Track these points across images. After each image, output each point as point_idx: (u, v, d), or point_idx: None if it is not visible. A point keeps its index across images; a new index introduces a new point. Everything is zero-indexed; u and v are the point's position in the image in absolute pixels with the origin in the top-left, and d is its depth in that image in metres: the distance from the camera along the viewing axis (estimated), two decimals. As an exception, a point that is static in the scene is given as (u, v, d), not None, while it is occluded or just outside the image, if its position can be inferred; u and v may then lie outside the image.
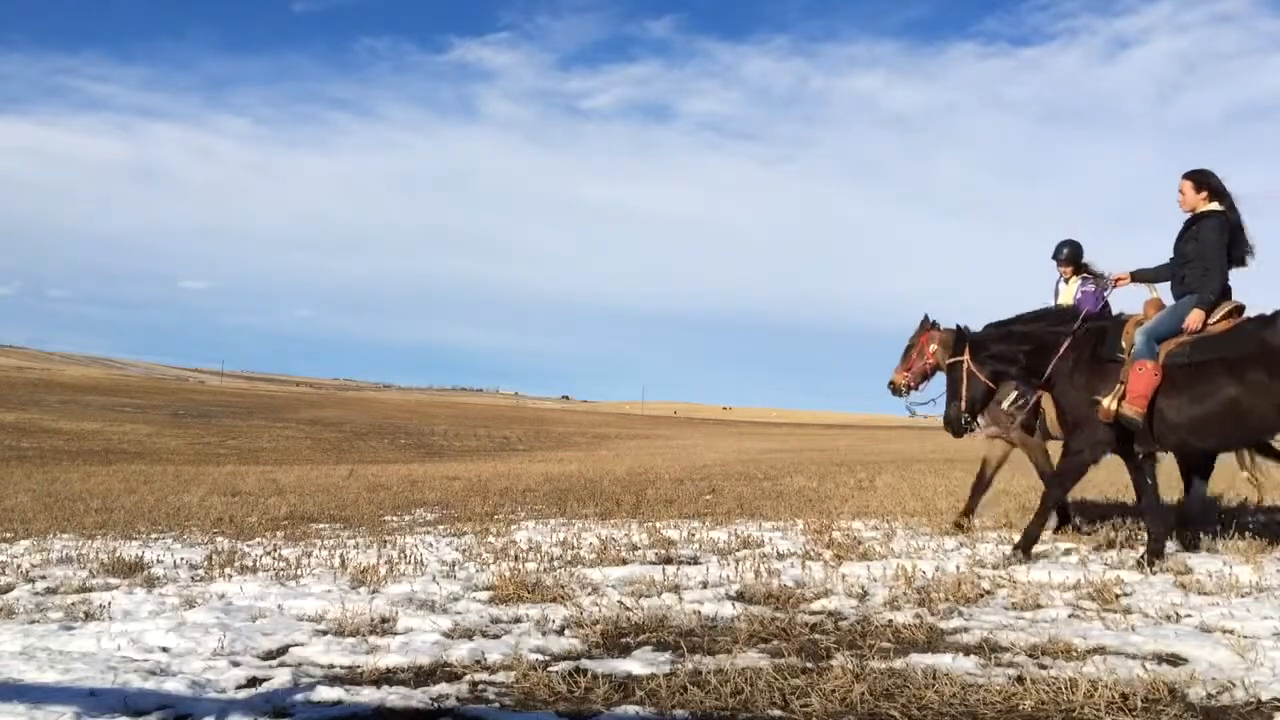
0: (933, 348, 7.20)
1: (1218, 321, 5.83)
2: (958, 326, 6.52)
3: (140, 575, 6.41)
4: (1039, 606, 4.88)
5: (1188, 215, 6.16)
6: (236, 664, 4.05)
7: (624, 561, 6.53)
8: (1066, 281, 7.74)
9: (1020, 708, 3.35)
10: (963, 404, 6.38)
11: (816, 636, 4.37)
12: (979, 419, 6.72)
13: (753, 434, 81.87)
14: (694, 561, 6.53)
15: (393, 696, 3.58)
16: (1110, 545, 6.75)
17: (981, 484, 8.05)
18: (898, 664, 3.84)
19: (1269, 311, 5.76)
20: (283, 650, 4.30)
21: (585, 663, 3.95)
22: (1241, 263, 6.05)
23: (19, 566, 7.00)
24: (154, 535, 9.16)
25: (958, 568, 5.86)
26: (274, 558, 7.20)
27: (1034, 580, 5.52)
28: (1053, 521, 7.17)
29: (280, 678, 3.82)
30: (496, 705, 3.50)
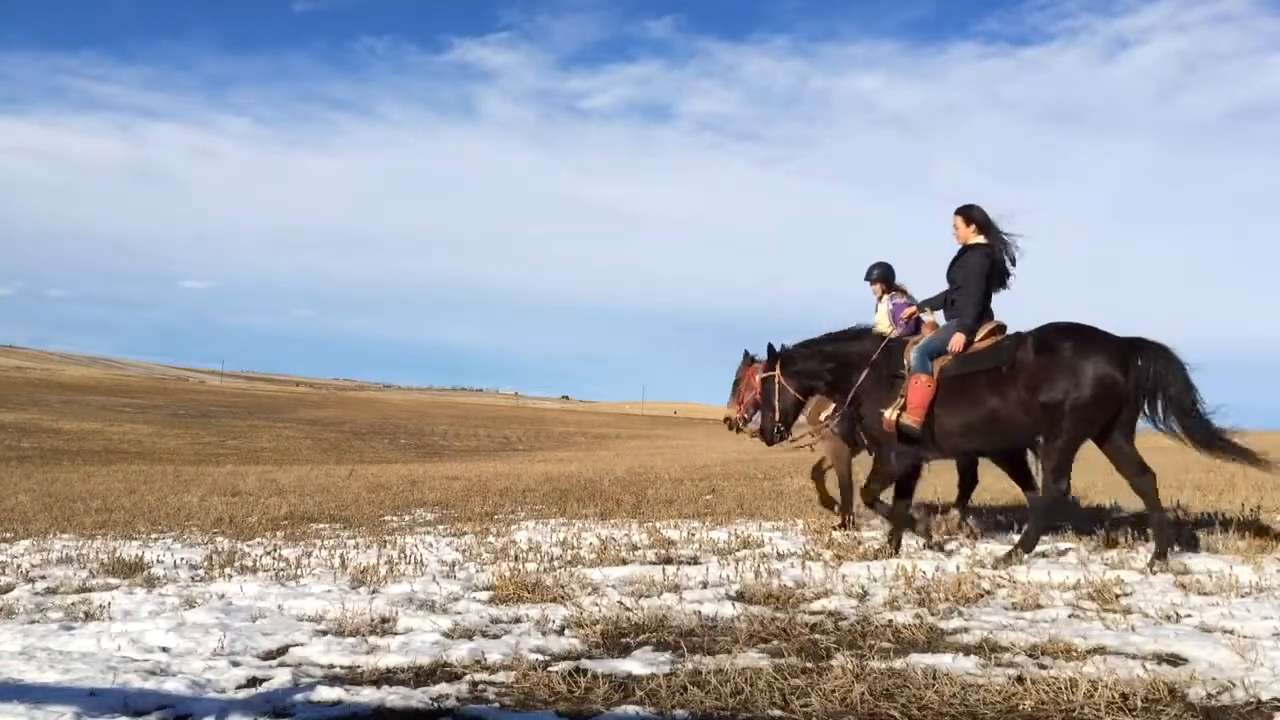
0: (759, 379, 7.45)
1: (982, 339, 6.44)
2: (769, 345, 7.05)
3: (140, 575, 6.41)
4: (1039, 606, 4.88)
5: (960, 246, 6.77)
6: (236, 664, 4.05)
7: (624, 561, 6.54)
8: (880, 300, 8.21)
9: (1020, 708, 3.35)
10: (775, 415, 6.97)
11: (816, 636, 4.37)
12: (791, 429, 7.21)
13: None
14: (694, 561, 6.53)
15: (393, 696, 3.58)
16: (1110, 545, 6.75)
17: (847, 486, 8.47)
18: (898, 664, 3.84)
19: (1025, 330, 6.37)
20: (283, 650, 4.30)
21: (585, 663, 3.95)
22: (1003, 285, 6.69)
23: (19, 566, 7.00)
24: (154, 535, 9.16)
25: (958, 568, 5.86)
26: (274, 558, 7.20)
27: (1034, 580, 5.52)
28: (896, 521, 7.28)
29: (280, 678, 3.82)
30: (496, 705, 3.50)
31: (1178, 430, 6.06)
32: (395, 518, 10.54)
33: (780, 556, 6.60)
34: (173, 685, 3.72)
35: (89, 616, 5.10)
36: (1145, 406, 6.05)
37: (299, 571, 6.48)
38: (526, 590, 5.40)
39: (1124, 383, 5.94)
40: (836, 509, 8.42)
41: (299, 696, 3.59)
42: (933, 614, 4.71)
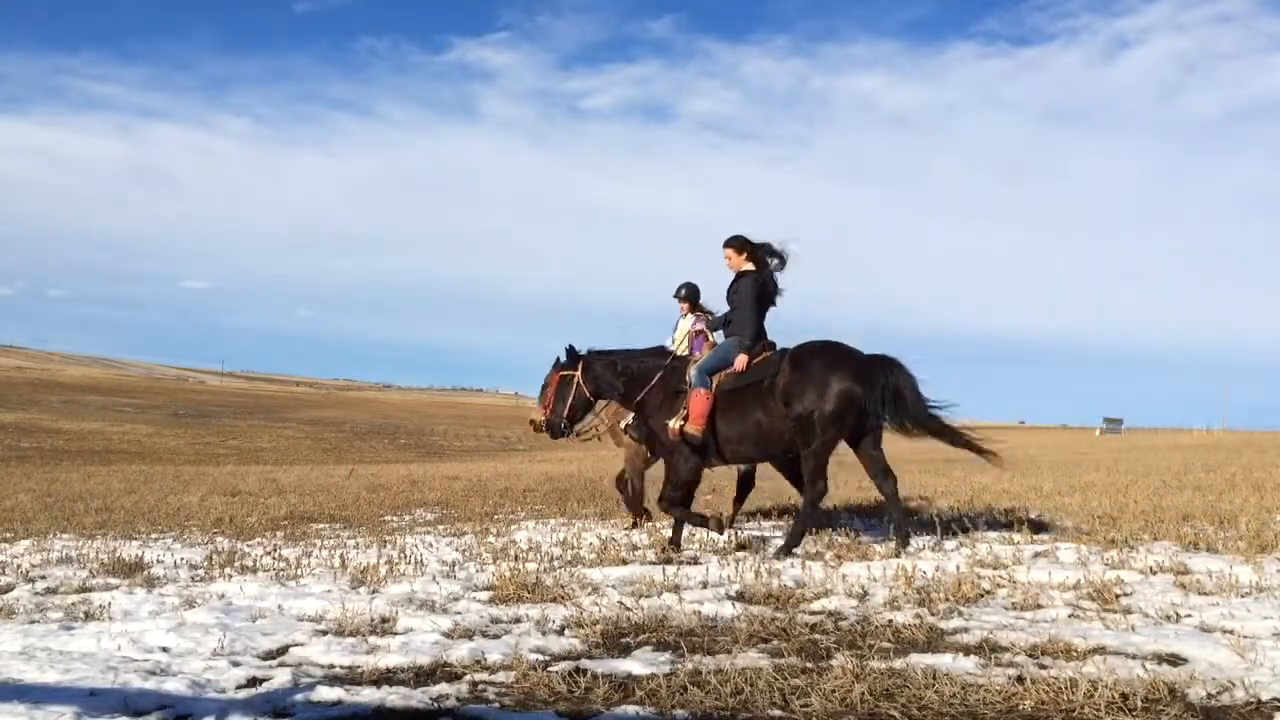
0: (559, 375, 7.84)
1: (757, 357, 6.99)
2: (570, 346, 7.61)
3: (140, 575, 6.41)
4: (1039, 606, 4.87)
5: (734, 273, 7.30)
6: (236, 664, 4.05)
7: (624, 561, 6.54)
8: (684, 317, 8.73)
9: (1020, 708, 3.35)
10: (565, 410, 7.51)
11: (816, 636, 4.36)
12: (576, 426, 7.79)
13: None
14: (694, 561, 6.53)
15: (393, 696, 3.58)
16: (1111, 545, 6.75)
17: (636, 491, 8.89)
18: (898, 664, 3.84)
19: (786, 348, 6.97)
20: (283, 650, 4.31)
21: (585, 663, 3.95)
22: (773, 304, 7.25)
23: (19, 566, 7.00)
24: (154, 535, 9.17)
25: (958, 568, 5.86)
26: (274, 558, 7.20)
27: (1034, 580, 5.51)
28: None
29: (280, 678, 3.82)
30: (496, 705, 3.50)
31: (918, 429, 6.81)
32: (395, 518, 10.54)
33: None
34: (173, 685, 3.72)
35: (89, 616, 5.10)
36: (887, 414, 6.74)
37: (299, 571, 6.48)
38: (526, 590, 5.40)
39: (864, 395, 6.61)
40: (626, 510, 8.83)
41: (299, 696, 3.59)
42: (933, 614, 4.71)
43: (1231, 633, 4.18)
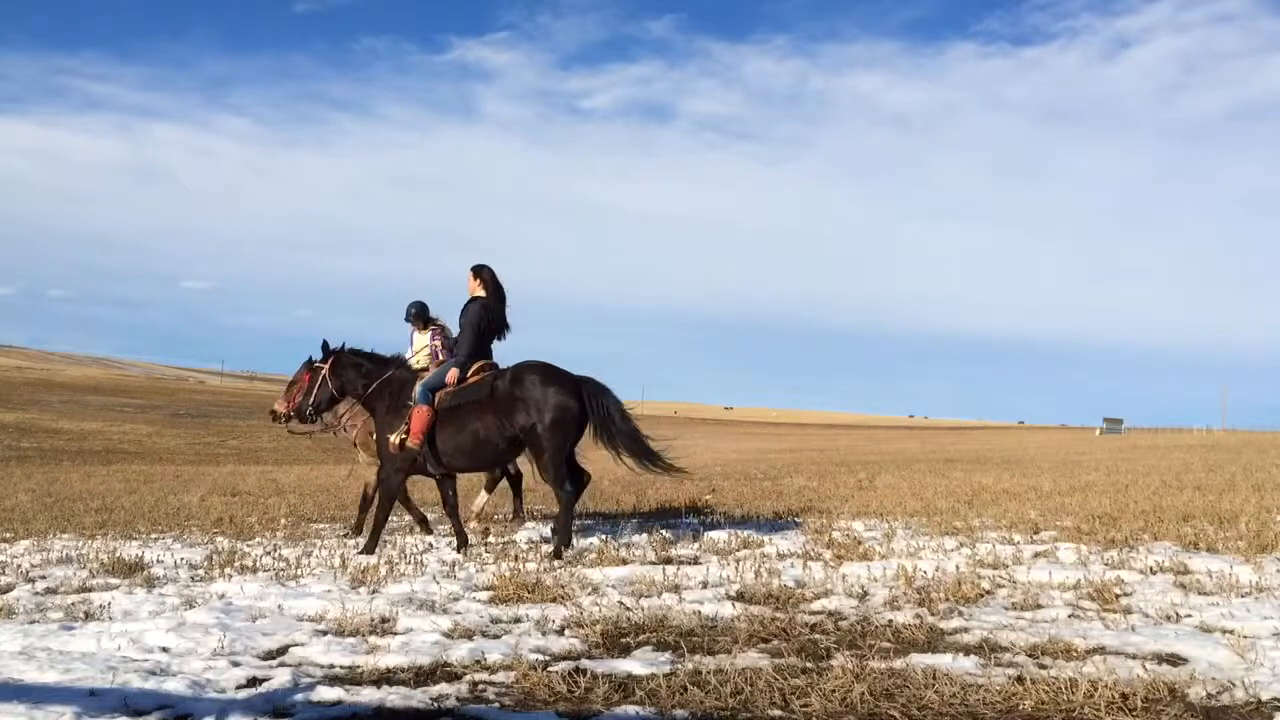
0: (314, 366, 8.23)
1: (474, 375, 7.43)
2: (324, 341, 7.99)
3: (140, 575, 6.41)
4: (1039, 606, 4.88)
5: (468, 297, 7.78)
6: (236, 664, 4.05)
7: (624, 561, 6.53)
8: (419, 333, 9.26)
9: (1020, 708, 3.35)
10: (311, 400, 7.92)
11: (816, 636, 4.36)
12: (319, 417, 8.22)
13: (753, 434, 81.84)
14: (694, 561, 6.53)
15: (393, 696, 3.58)
16: (1111, 545, 6.75)
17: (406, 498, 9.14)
18: (898, 664, 3.84)
19: (504, 367, 7.47)
20: (283, 650, 4.30)
21: (585, 663, 3.95)
22: (500, 336, 7.78)
23: (19, 566, 7.00)
24: (154, 535, 9.17)
25: (958, 568, 5.86)
26: (274, 558, 7.20)
27: (1034, 580, 5.52)
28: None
29: (280, 678, 3.82)
30: (496, 705, 3.50)
31: (621, 448, 7.32)
32: (395, 518, 10.53)
33: (780, 556, 6.60)
34: (173, 685, 3.72)
35: (89, 616, 5.10)
36: (597, 430, 7.28)
37: (299, 571, 6.48)
38: (526, 590, 5.40)
39: (578, 410, 7.15)
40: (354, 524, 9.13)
41: (299, 696, 3.59)
42: (933, 614, 4.71)
43: (1231, 633, 4.18)
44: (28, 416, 47.91)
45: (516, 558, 6.70)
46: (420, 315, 9.19)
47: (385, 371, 7.75)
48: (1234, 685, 3.48)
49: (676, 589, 5.44)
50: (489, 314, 7.62)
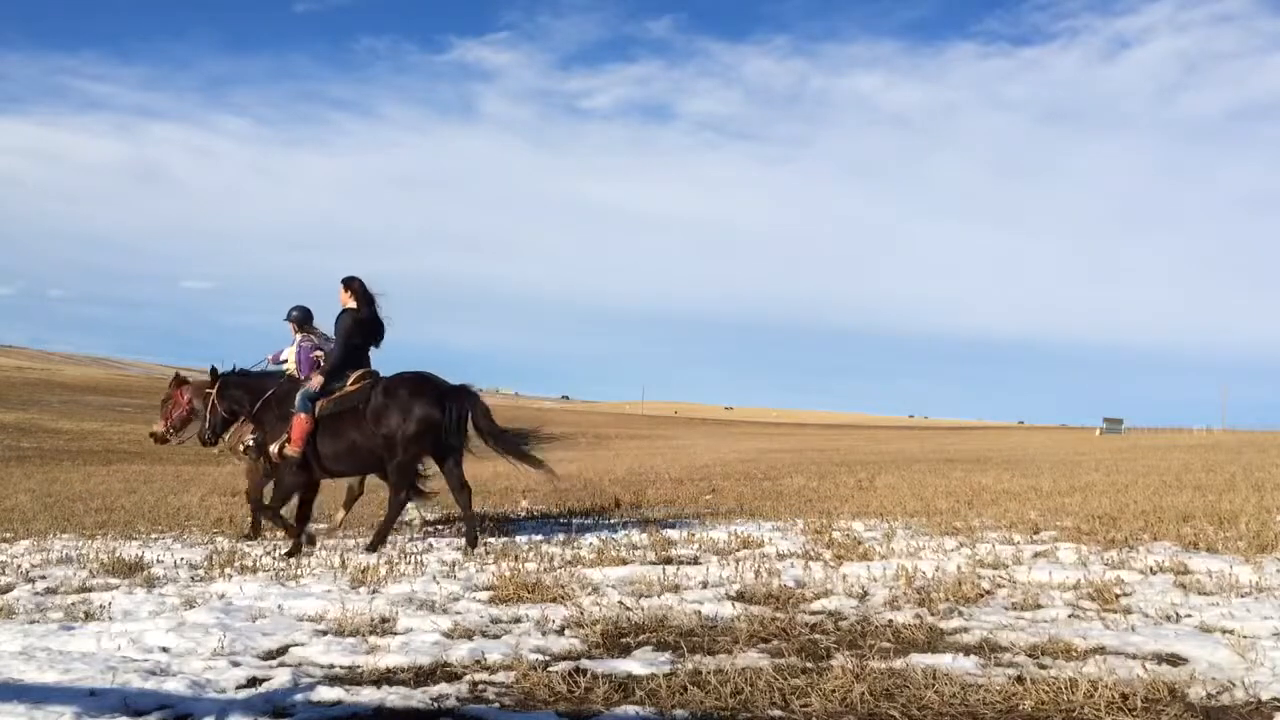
0: (187, 397, 8.75)
1: (353, 384, 7.77)
2: (212, 367, 8.39)
3: (140, 575, 6.41)
4: (1039, 606, 4.88)
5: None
6: (236, 664, 4.05)
7: (624, 561, 6.53)
8: (296, 336, 9.40)
9: (1020, 708, 3.35)
10: (205, 425, 8.30)
11: (816, 636, 4.36)
12: (218, 438, 8.47)
13: (753, 434, 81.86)
14: (694, 561, 6.53)
15: (393, 696, 3.58)
16: (1111, 545, 6.75)
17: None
18: (898, 664, 3.84)
19: (381, 377, 7.85)
20: (283, 650, 4.31)
21: (585, 663, 3.95)
22: (376, 345, 8.13)
23: (19, 566, 7.00)
24: (154, 535, 9.18)
25: (958, 568, 5.86)
26: (274, 558, 7.20)
27: (1034, 580, 5.52)
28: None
29: (280, 678, 3.82)
30: (496, 705, 3.50)
31: (494, 446, 7.75)
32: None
33: (780, 556, 6.59)
34: (173, 685, 3.72)
35: (89, 616, 5.10)
36: (461, 435, 7.67)
37: (299, 571, 6.48)
38: (526, 590, 5.40)
39: (442, 419, 7.52)
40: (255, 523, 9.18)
41: (299, 696, 3.59)
42: (933, 614, 4.71)
43: (1231, 633, 4.18)
44: (28, 416, 47.90)
45: (516, 558, 6.70)
46: (299, 320, 9.34)
47: (269, 387, 8.17)
48: (1234, 685, 3.48)
49: (676, 589, 5.44)
50: (359, 324, 7.97)
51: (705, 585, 5.60)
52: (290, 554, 7.47)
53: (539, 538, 8.03)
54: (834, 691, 3.49)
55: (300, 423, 7.64)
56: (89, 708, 3.45)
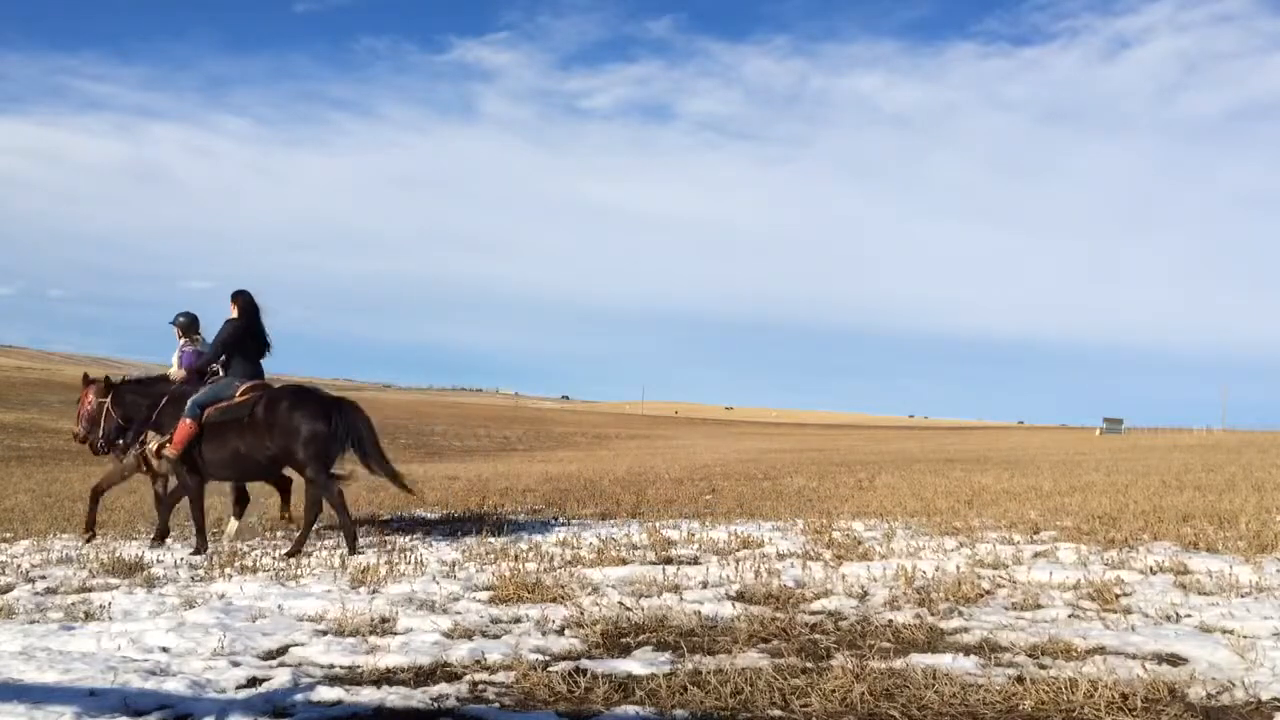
0: (90, 397, 8.77)
1: (243, 395, 8.00)
2: (106, 378, 8.72)
3: (140, 575, 6.41)
4: (1039, 606, 4.88)
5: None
6: (236, 664, 4.05)
7: (624, 561, 6.53)
8: (188, 343, 9.45)
9: (1020, 708, 3.35)
10: (100, 433, 8.53)
11: (816, 636, 4.37)
12: (112, 446, 8.63)
13: (753, 434, 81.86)
14: (694, 561, 6.53)
15: (393, 696, 3.58)
16: (1111, 545, 6.76)
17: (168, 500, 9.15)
18: (898, 664, 3.84)
19: (269, 390, 8.03)
20: (283, 650, 4.31)
21: (585, 663, 3.95)
22: (262, 355, 8.43)
23: (19, 566, 7.00)
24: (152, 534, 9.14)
25: (958, 568, 5.86)
26: (274, 558, 7.20)
27: (1034, 580, 5.52)
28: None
29: (280, 678, 3.82)
30: (496, 705, 3.50)
31: (373, 466, 7.92)
32: (396, 518, 10.54)
33: (780, 556, 6.59)
34: (173, 685, 3.72)
35: (89, 616, 5.10)
36: (349, 449, 7.85)
37: (299, 571, 6.48)
38: (526, 590, 5.39)
39: (327, 432, 7.71)
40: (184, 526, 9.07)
41: (299, 696, 3.59)
42: (933, 614, 4.71)
43: (1231, 633, 4.18)
44: (27, 416, 47.89)
45: (516, 558, 6.70)
46: (184, 326, 9.44)
47: (164, 392, 8.42)
48: (1234, 685, 3.48)
49: (676, 589, 5.44)
50: (239, 334, 8.24)
51: (705, 585, 5.60)
52: (199, 549, 7.78)
53: (539, 538, 8.03)
54: (834, 691, 3.49)
55: (184, 427, 7.91)
56: (89, 708, 3.45)
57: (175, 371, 9.03)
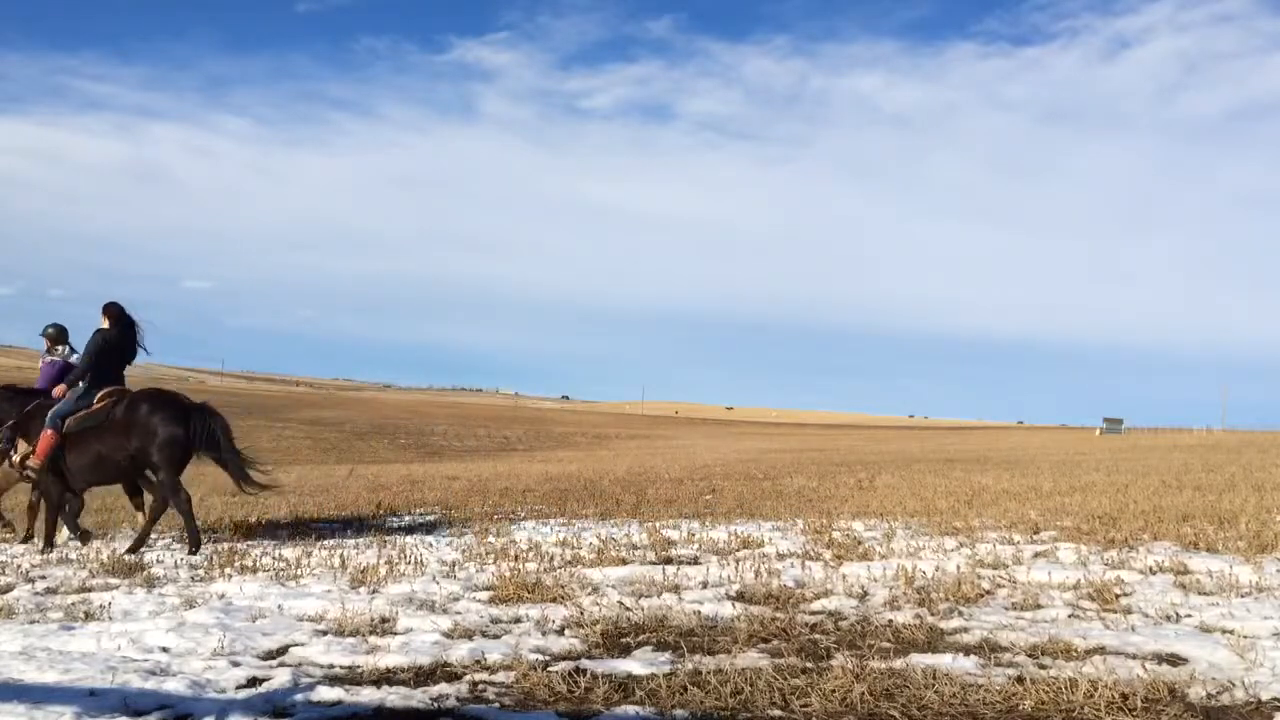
0: None
1: (101, 401, 8.16)
2: None
3: (140, 575, 6.42)
4: (1039, 606, 4.88)
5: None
6: (236, 664, 4.05)
7: (624, 561, 6.53)
8: (48, 353, 9.64)
9: (1020, 708, 3.35)
10: None
11: (816, 636, 4.37)
12: None
13: (753, 434, 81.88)
14: (694, 561, 6.53)
15: (393, 696, 3.58)
16: (1111, 545, 6.76)
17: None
18: (898, 664, 3.84)
19: (127, 395, 8.19)
20: (283, 650, 4.31)
21: (585, 663, 3.95)
22: (128, 362, 8.57)
23: (19, 566, 7.01)
24: (154, 535, 9.16)
25: (958, 568, 5.86)
26: (274, 558, 7.20)
27: (1034, 580, 5.52)
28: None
29: (280, 678, 3.82)
30: (496, 705, 3.50)
31: (230, 468, 8.08)
32: (395, 518, 10.54)
33: (780, 556, 6.60)
34: (173, 685, 3.72)
35: (89, 616, 5.10)
36: (206, 451, 8.05)
37: (299, 571, 6.48)
38: (526, 590, 5.40)
39: (185, 435, 7.91)
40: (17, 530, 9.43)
41: (299, 696, 3.59)
42: (933, 614, 4.71)
43: (1231, 633, 4.18)
44: (28, 416, 47.85)
45: (516, 558, 6.70)
46: (52, 337, 9.55)
47: (33, 401, 8.64)
48: (1234, 685, 3.48)
49: (676, 589, 5.44)
50: (108, 344, 8.34)
51: (705, 585, 5.60)
52: (46, 548, 8.06)
53: (539, 538, 8.03)
54: (834, 691, 3.49)
55: (45, 438, 8.08)
56: (89, 708, 3.45)
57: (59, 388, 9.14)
